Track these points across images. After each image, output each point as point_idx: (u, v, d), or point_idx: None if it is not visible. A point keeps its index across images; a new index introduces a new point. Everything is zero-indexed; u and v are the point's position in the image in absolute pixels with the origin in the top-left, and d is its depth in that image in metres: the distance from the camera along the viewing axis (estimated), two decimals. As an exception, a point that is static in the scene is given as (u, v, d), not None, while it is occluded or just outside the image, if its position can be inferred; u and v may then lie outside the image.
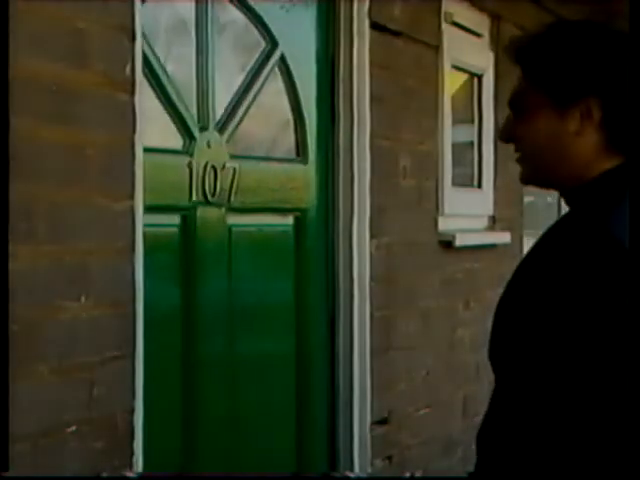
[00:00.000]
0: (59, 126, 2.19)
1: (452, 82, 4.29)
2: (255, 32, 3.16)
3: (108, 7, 2.32)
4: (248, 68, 3.14)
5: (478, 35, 4.60)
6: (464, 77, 4.56)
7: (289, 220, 3.37)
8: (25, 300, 2.08)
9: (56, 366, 2.15)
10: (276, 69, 3.24)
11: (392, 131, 3.78)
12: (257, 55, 3.17)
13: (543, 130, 1.88)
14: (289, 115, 3.36)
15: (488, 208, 4.68)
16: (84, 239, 2.25)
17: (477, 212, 4.65)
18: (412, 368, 3.82)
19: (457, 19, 4.33)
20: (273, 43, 3.20)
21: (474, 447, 1.89)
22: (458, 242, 4.22)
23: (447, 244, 4.19)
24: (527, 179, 1.92)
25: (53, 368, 2.14)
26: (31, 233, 2.10)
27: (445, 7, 4.19)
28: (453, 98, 4.27)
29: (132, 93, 2.39)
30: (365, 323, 3.58)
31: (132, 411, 2.38)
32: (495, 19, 4.72)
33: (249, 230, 3.14)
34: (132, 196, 2.39)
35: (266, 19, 3.17)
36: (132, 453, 2.38)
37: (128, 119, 2.38)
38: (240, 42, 3.21)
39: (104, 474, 2.26)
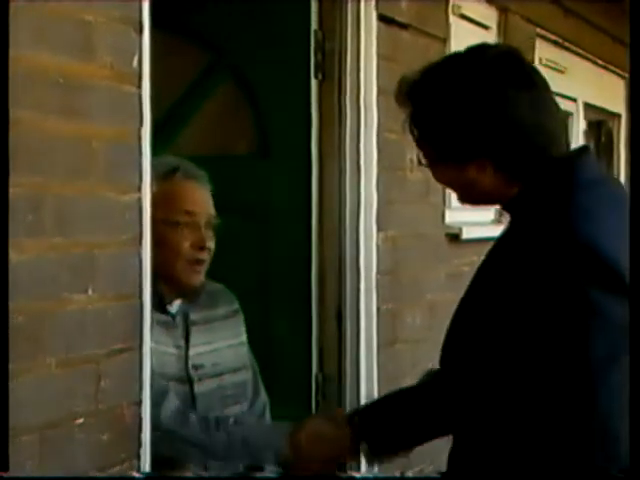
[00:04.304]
0: (66, 119, 2.19)
1: (459, 75, 4.28)
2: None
3: (115, -1, 2.32)
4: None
5: (486, 28, 4.60)
6: (471, 70, 4.55)
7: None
8: (32, 292, 2.08)
9: (63, 358, 2.16)
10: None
11: (399, 124, 3.77)
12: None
13: (447, 175, 2.05)
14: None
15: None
16: (91, 231, 2.25)
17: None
18: (418, 361, 3.81)
19: (465, 12, 4.33)
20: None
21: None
22: (465, 235, 4.22)
23: (454, 237, 4.19)
24: (462, 201, 2.08)
25: (60, 360, 2.15)
26: (38, 226, 2.10)
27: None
28: (460, 91, 4.26)
29: (139, 85, 2.38)
30: (372, 316, 3.58)
31: (139, 403, 2.39)
32: (503, 12, 4.71)
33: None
34: (139, 188, 2.39)
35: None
36: (139, 445, 2.39)
37: (135, 111, 2.38)
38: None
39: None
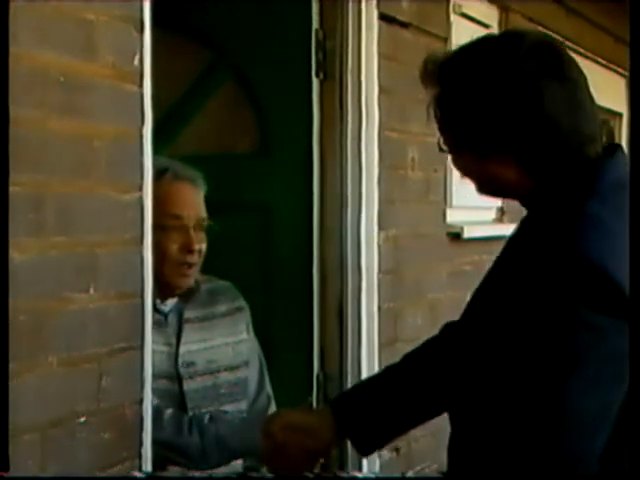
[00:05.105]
0: (67, 117, 2.19)
1: (460, 74, 4.29)
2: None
3: (116, -2, 2.32)
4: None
5: (487, 26, 4.60)
6: (472, 69, 4.55)
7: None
8: (33, 291, 2.08)
9: (65, 357, 2.16)
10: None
11: (400, 123, 3.78)
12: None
13: (467, 166, 1.96)
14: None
15: (496, 200, 4.68)
16: (93, 230, 2.25)
17: (485, 204, 4.64)
18: (420, 360, 3.81)
19: (466, 10, 4.33)
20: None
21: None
22: (466, 234, 4.22)
23: (455, 236, 4.19)
24: (479, 192, 2.00)
25: (62, 359, 2.15)
26: (39, 225, 2.10)
27: (453, -2, 4.20)
28: (461, 90, 4.26)
29: (140, 84, 2.39)
30: (373, 315, 3.58)
31: (140, 401, 2.39)
32: (504, 10, 4.72)
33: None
34: (141, 187, 2.39)
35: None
36: (141, 444, 2.39)
37: (136, 110, 2.38)
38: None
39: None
